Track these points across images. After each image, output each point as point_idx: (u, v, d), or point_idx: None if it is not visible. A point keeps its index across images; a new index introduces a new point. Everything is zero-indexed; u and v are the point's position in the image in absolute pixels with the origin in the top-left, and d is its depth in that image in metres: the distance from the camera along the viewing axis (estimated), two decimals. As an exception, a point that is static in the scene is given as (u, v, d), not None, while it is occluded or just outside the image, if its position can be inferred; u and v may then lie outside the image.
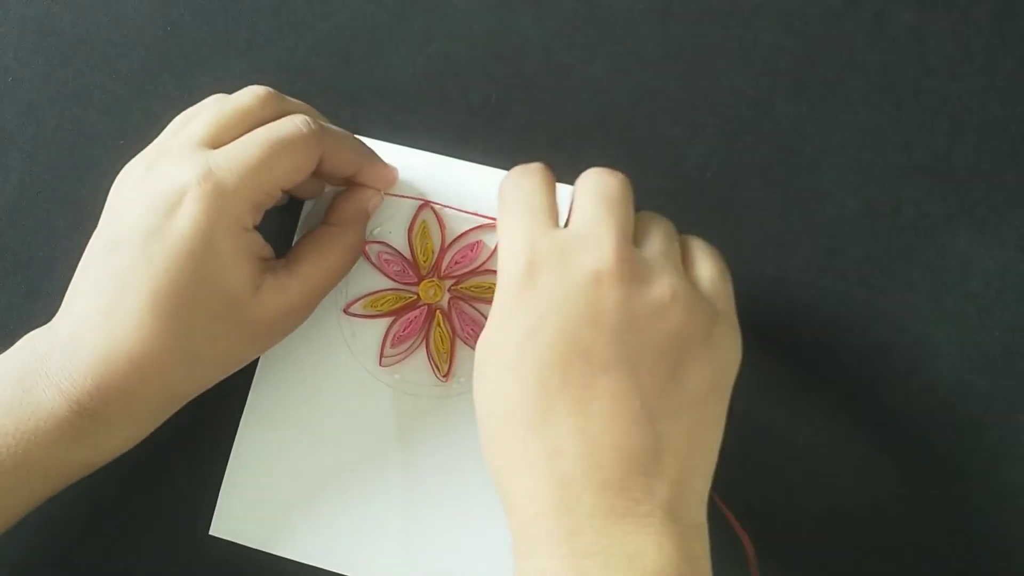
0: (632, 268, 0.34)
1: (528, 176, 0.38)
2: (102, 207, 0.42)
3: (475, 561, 0.42)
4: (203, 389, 0.40)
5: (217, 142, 0.38)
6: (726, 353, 0.36)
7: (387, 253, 0.44)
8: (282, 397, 0.44)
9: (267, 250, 0.40)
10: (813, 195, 0.44)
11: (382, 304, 0.44)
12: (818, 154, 0.44)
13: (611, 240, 0.34)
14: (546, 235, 0.35)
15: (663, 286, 0.34)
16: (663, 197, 0.44)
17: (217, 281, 0.36)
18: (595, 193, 0.36)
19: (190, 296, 0.36)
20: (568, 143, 0.45)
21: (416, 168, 0.45)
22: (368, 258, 0.44)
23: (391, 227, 0.45)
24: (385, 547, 0.43)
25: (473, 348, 0.43)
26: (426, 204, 0.44)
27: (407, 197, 0.45)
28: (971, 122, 0.44)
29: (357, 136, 0.43)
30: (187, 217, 0.36)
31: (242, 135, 0.38)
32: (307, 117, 0.39)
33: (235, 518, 0.43)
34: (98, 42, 0.47)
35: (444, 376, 0.44)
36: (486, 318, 0.43)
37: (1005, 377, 0.43)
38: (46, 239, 0.46)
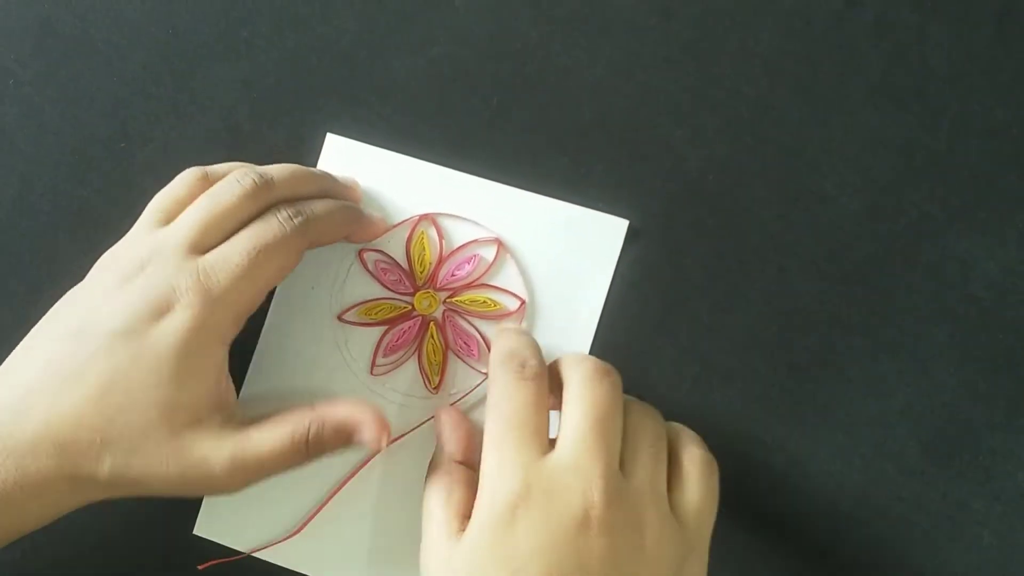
0: (620, 512, 0.34)
1: (523, 385, 0.36)
2: (102, 208, 0.42)
3: None
4: (108, 495, 0.38)
5: (203, 247, 0.38)
6: None
7: (384, 262, 0.44)
8: (272, 401, 0.44)
9: (230, 389, 0.38)
10: (814, 196, 0.44)
11: (376, 313, 0.44)
12: (819, 155, 0.44)
13: (600, 477, 0.34)
14: (535, 464, 0.34)
15: (649, 531, 0.34)
16: (664, 199, 0.44)
17: (169, 392, 0.36)
18: (586, 409, 0.35)
19: (137, 404, 0.35)
20: (569, 144, 0.45)
21: (417, 179, 0.45)
22: (365, 266, 0.44)
23: (390, 236, 0.45)
24: (367, 555, 0.43)
25: (465, 361, 0.43)
26: (426, 216, 0.44)
27: (403, 223, 0.45)
28: (972, 123, 0.44)
29: (344, 205, 0.43)
30: (175, 324, 0.36)
31: (228, 234, 0.38)
32: (289, 212, 0.38)
33: (220, 519, 0.43)
34: (99, 44, 0.47)
35: (435, 388, 0.44)
36: (480, 332, 0.43)
37: (1007, 379, 0.43)
38: (46, 240, 0.46)
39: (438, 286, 0.44)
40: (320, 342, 0.44)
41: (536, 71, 0.46)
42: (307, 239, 0.39)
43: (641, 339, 0.44)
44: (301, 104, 0.46)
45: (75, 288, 0.39)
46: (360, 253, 0.44)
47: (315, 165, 0.46)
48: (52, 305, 0.40)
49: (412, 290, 0.44)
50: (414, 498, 0.43)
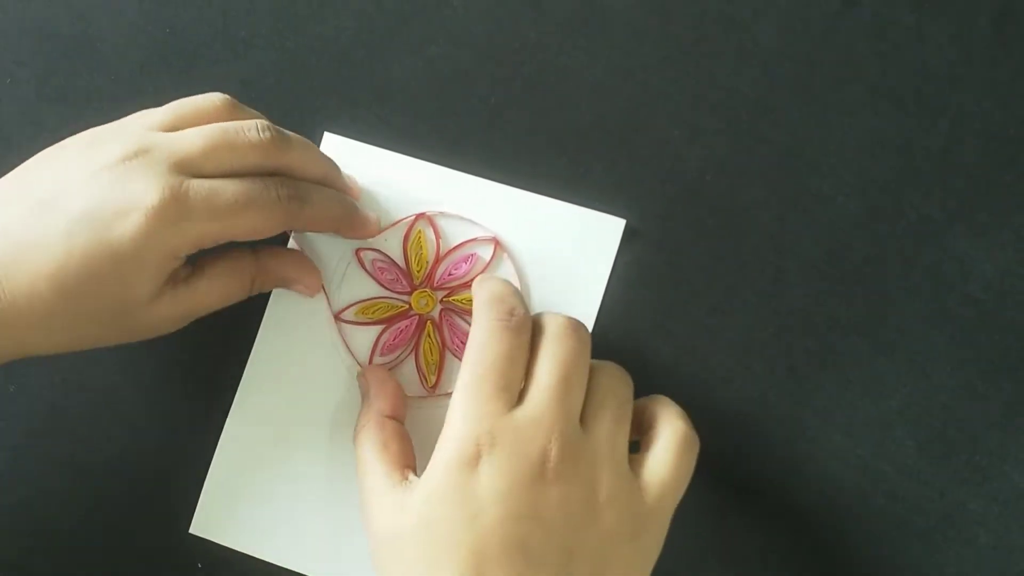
0: (574, 467, 0.34)
1: (505, 339, 0.36)
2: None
3: None
4: (48, 351, 0.39)
5: (193, 171, 0.38)
6: (649, 550, 0.36)
7: (381, 261, 0.44)
8: (269, 399, 0.44)
9: (184, 268, 0.39)
10: (812, 197, 0.44)
11: (374, 312, 0.44)
12: (818, 156, 0.44)
13: (560, 431, 0.35)
14: (503, 417, 0.35)
15: (602, 487, 0.35)
16: (662, 200, 0.44)
17: (121, 288, 0.36)
18: (552, 364, 0.36)
19: (90, 291, 0.36)
20: (568, 145, 0.45)
21: (414, 178, 0.45)
22: (362, 265, 0.44)
23: (387, 235, 0.45)
24: (366, 555, 0.43)
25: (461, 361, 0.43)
26: (423, 215, 0.44)
27: (399, 220, 0.45)
28: (971, 124, 0.44)
29: (338, 194, 0.43)
30: (129, 228, 0.36)
31: (224, 173, 0.38)
32: (288, 190, 0.39)
33: (215, 518, 0.44)
34: (97, 44, 0.47)
35: (432, 387, 0.44)
36: None
37: (1005, 380, 0.43)
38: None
39: (435, 285, 0.44)
40: (317, 341, 0.44)
41: (535, 71, 0.45)
42: (295, 220, 0.39)
43: (639, 339, 0.44)
44: (299, 103, 0.46)
45: (48, 151, 0.39)
46: (357, 252, 0.44)
47: (313, 165, 0.46)
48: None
49: (409, 289, 0.44)
50: None
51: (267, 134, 0.39)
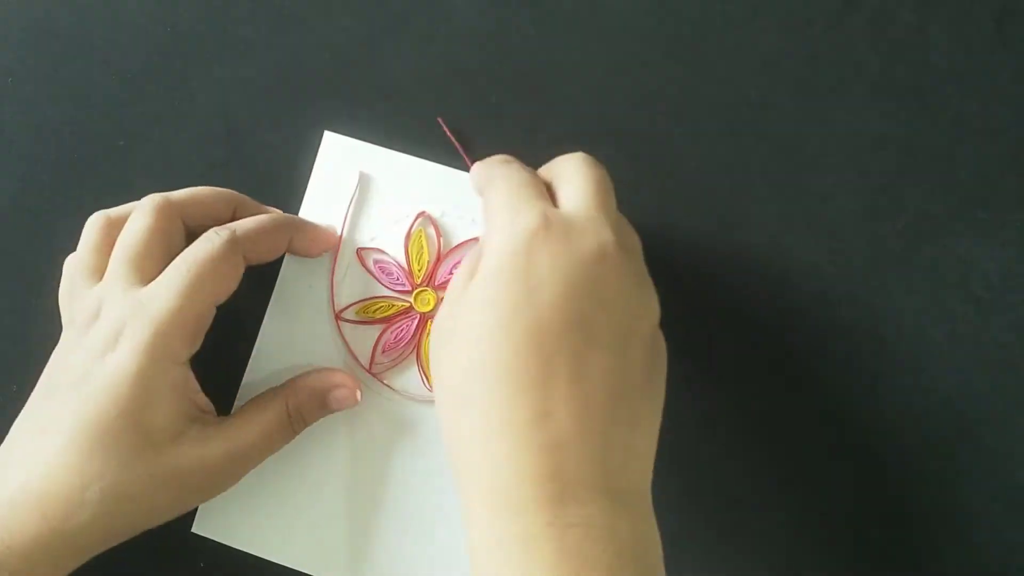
0: (627, 257, 0.35)
1: (519, 168, 0.38)
2: (101, 207, 0.42)
3: (463, 569, 0.42)
4: (107, 544, 0.38)
5: (144, 279, 0.38)
6: (663, 347, 0.37)
7: (382, 261, 0.44)
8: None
9: (202, 398, 0.40)
10: (814, 196, 0.44)
11: (375, 311, 0.44)
12: (819, 155, 0.44)
13: (612, 230, 0.35)
14: (554, 210, 0.35)
15: (650, 288, 0.36)
16: (663, 198, 0.44)
17: (137, 416, 0.36)
18: (595, 182, 0.37)
19: (109, 434, 0.36)
20: (568, 144, 0.45)
21: (415, 177, 0.45)
22: (364, 264, 0.44)
23: (388, 235, 0.45)
24: (368, 554, 0.43)
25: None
26: (424, 213, 0.44)
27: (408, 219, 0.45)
28: (972, 123, 0.44)
29: (278, 216, 0.43)
30: (121, 354, 0.36)
31: (162, 261, 0.39)
32: (216, 230, 0.39)
33: (218, 517, 0.43)
34: (98, 43, 0.47)
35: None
36: None
37: (1006, 378, 0.43)
38: (46, 240, 0.46)
39: (436, 284, 0.44)
40: (318, 341, 0.44)
41: (535, 70, 0.46)
42: (239, 252, 0.39)
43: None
44: (299, 103, 0.46)
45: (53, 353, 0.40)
46: (359, 252, 0.44)
47: (313, 164, 0.46)
48: (51, 306, 0.41)
49: (410, 288, 0.44)
50: (414, 497, 0.43)
51: (147, 202, 0.40)
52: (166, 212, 0.40)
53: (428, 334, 0.44)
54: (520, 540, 0.31)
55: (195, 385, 0.39)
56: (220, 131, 0.46)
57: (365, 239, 0.45)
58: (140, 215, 0.40)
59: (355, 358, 0.44)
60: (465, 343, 0.34)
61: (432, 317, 0.44)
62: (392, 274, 0.44)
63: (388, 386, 0.44)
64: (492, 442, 0.33)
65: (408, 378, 0.44)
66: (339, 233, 0.44)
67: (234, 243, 0.39)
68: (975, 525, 0.42)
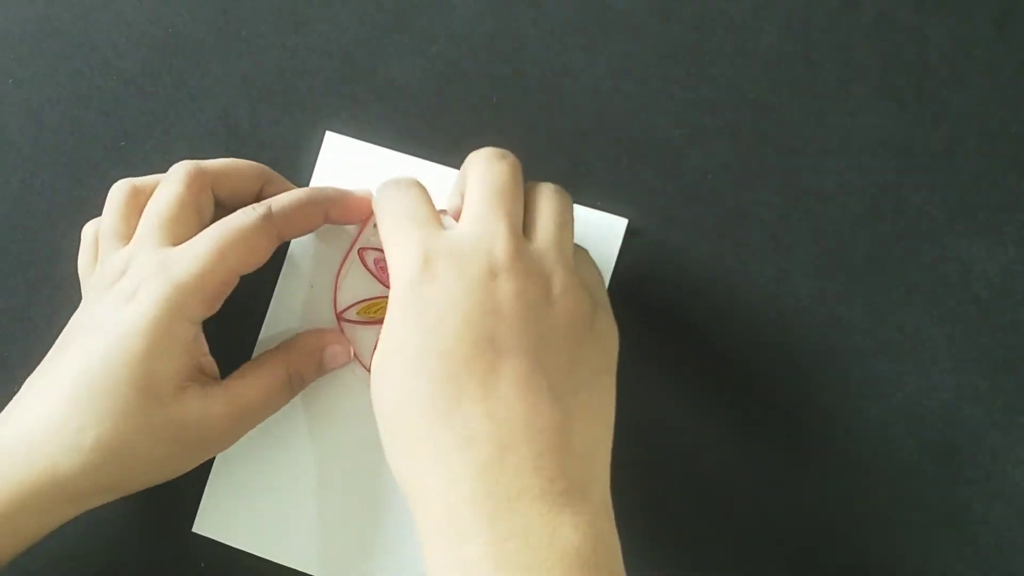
0: (524, 264, 0.35)
1: (404, 190, 0.38)
2: (101, 207, 0.42)
3: None
4: (103, 497, 0.38)
5: (173, 243, 0.39)
6: (609, 337, 0.38)
7: (384, 260, 0.44)
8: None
9: (209, 361, 0.40)
10: (814, 196, 0.44)
11: (376, 311, 0.44)
12: (819, 155, 0.44)
13: (503, 237, 0.36)
14: (438, 237, 0.36)
15: (555, 279, 0.36)
16: (663, 199, 0.44)
17: (144, 367, 0.36)
18: (485, 185, 0.37)
19: (112, 381, 0.36)
20: (568, 144, 0.45)
21: (416, 176, 0.45)
22: (364, 264, 0.44)
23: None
24: (370, 553, 0.43)
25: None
26: None
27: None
28: (973, 124, 0.44)
29: (311, 191, 0.42)
30: (137, 305, 0.37)
31: (192, 229, 0.39)
32: (253, 205, 0.39)
33: (219, 516, 0.43)
34: (98, 43, 0.47)
35: None
36: None
37: (1007, 379, 0.43)
38: (46, 240, 0.46)
39: None
40: None
41: (535, 70, 0.45)
42: (274, 229, 0.39)
43: (640, 339, 0.44)
44: (300, 102, 0.46)
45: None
46: (360, 252, 0.44)
47: (314, 163, 0.46)
48: (51, 307, 0.41)
49: None
50: None
51: (179, 169, 0.40)
52: (198, 181, 0.40)
53: None
54: (464, 562, 0.32)
55: (205, 347, 0.39)
56: (220, 131, 0.46)
57: (366, 239, 0.45)
58: (173, 181, 0.40)
59: (357, 358, 0.44)
60: (391, 377, 0.35)
61: None
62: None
63: None
64: (428, 473, 0.33)
65: None
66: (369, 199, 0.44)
67: (269, 219, 0.39)
68: (976, 525, 0.42)
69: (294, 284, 0.45)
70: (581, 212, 0.44)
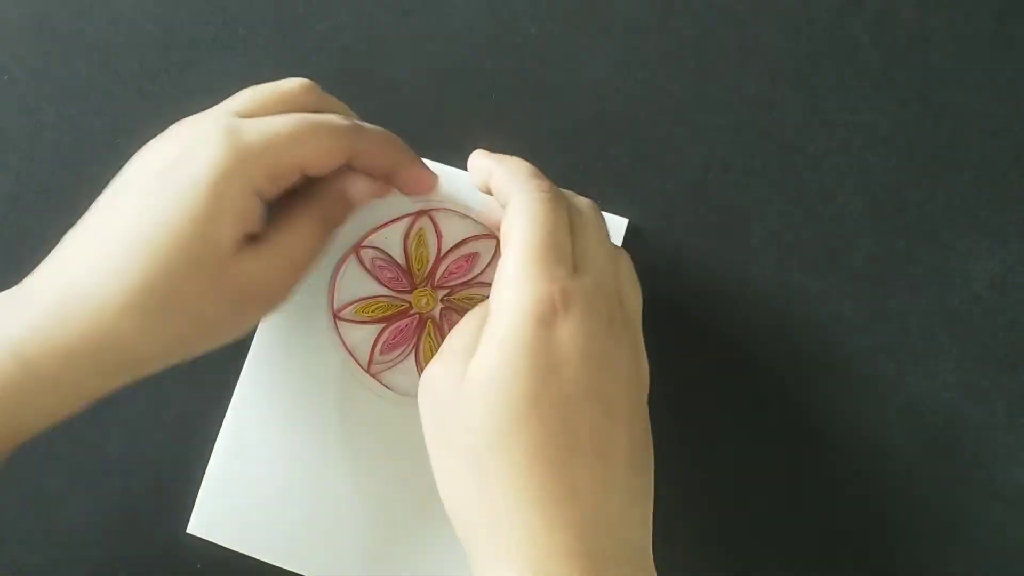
0: (625, 327, 0.36)
1: (554, 210, 0.36)
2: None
3: (463, 570, 0.42)
4: (162, 359, 0.37)
5: (253, 115, 0.38)
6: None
7: (381, 259, 0.44)
8: (268, 398, 0.44)
9: (262, 225, 0.38)
10: (816, 195, 0.44)
11: (373, 310, 0.44)
12: (820, 154, 0.44)
13: (615, 295, 0.36)
14: (572, 280, 0.34)
15: (644, 355, 0.37)
16: (664, 197, 0.44)
17: (204, 226, 0.34)
18: (600, 237, 0.37)
19: (171, 240, 0.34)
20: (569, 143, 0.45)
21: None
22: (362, 263, 0.44)
23: (387, 233, 0.44)
24: (367, 555, 0.42)
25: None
26: (424, 212, 0.44)
27: (404, 216, 0.44)
28: (974, 122, 0.44)
29: (397, 138, 0.42)
30: (201, 158, 0.35)
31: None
32: (344, 118, 0.39)
33: (214, 517, 0.43)
34: (95, 41, 0.47)
35: None
36: None
37: (1008, 378, 0.43)
38: (43, 239, 0.46)
39: (436, 284, 0.44)
40: (317, 339, 0.44)
41: (536, 69, 0.45)
42: (353, 144, 0.38)
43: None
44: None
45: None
46: (357, 250, 0.44)
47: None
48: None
49: (410, 288, 0.44)
50: (414, 497, 0.43)
51: (306, 81, 0.40)
52: (311, 96, 0.40)
53: (427, 334, 0.44)
54: None
55: (262, 214, 0.37)
56: (219, 129, 0.46)
57: (364, 238, 0.44)
58: (288, 81, 0.39)
59: (354, 358, 0.44)
60: (483, 415, 0.33)
61: (431, 317, 0.44)
62: (392, 274, 0.44)
63: (387, 387, 0.43)
64: (522, 519, 0.32)
65: (407, 378, 0.44)
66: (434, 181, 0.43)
67: (353, 135, 0.38)
68: (976, 525, 0.42)
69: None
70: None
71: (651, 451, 0.36)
